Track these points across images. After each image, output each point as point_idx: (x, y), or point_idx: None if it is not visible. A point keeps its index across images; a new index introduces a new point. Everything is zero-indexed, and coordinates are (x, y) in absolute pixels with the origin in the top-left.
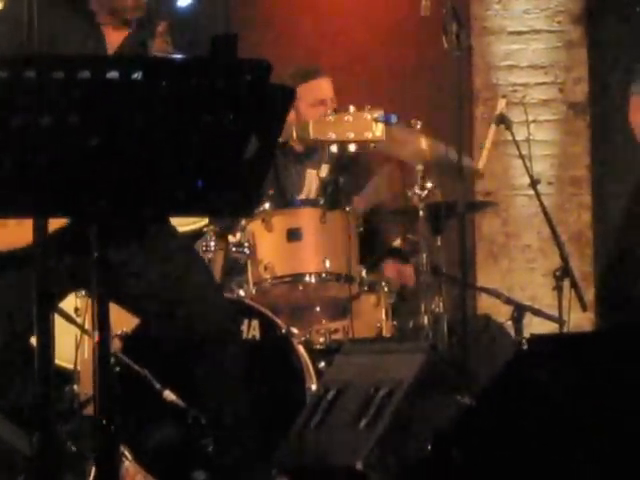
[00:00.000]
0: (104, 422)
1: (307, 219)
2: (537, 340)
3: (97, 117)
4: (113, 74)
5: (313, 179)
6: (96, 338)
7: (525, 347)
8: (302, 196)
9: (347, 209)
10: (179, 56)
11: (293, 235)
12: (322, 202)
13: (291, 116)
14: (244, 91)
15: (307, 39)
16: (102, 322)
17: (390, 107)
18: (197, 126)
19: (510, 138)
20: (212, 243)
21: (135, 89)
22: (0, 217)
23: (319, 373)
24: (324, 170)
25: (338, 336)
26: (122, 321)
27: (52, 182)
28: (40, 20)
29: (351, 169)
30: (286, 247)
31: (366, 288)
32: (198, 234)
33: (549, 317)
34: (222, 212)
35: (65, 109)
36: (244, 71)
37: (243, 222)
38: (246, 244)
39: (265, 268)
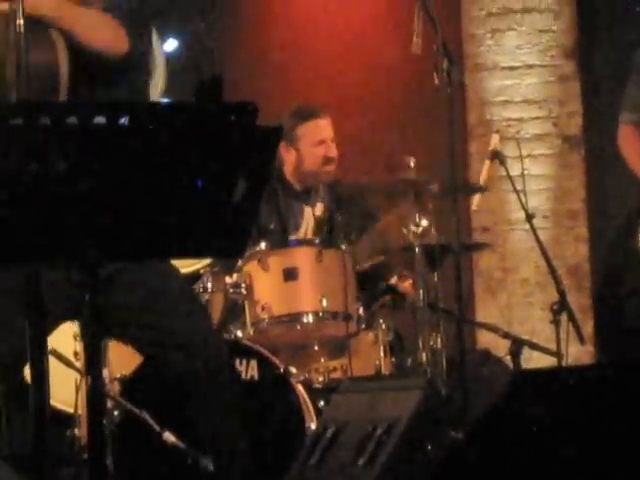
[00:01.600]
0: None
1: (303, 258)
2: (521, 376)
3: (83, 163)
4: (100, 119)
5: (310, 217)
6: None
7: (509, 384)
8: (301, 234)
9: (343, 247)
10: (165, 100)
11: (289, 274)
12: (318, 241)
13: (291, 155)
14: (230, 133)
15: (300, 79)
16: (93, 356)
17: (384, 145)
18: (184, 169)
19: (505, 173)
20: (209, 284)
21: (121, 134)
22: None
23: (318, 412)
24: (319, 208)
25: (337, 374)
26: (121, 364)
27: (39, 228)
28: None
29: (348, 208)
30: (283, 287)
31: (364, 326)
32: (195, 276)
33: (547, 351)
34: (211, 254)
35: (51, 155)
36: (230, 113)
37: (240, 263)
38: (243, 285)
39: (262, 308)
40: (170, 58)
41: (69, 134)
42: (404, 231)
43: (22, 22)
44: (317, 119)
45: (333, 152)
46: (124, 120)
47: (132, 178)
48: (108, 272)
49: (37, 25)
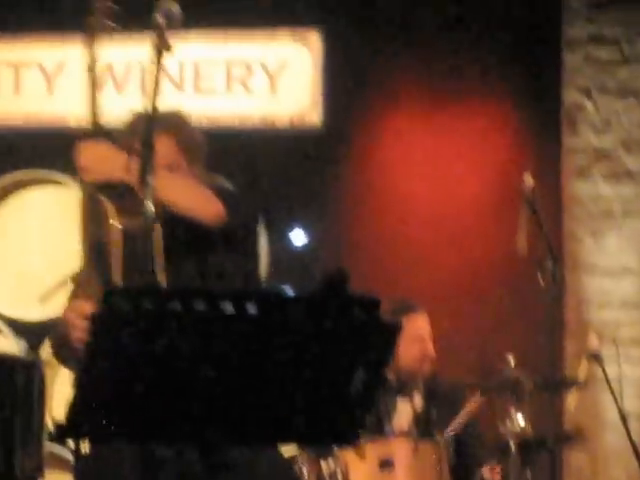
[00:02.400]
0: None
1: (399, 449)
2: None
3: (211, 348)
4: (228, 307)
5: (405, 410)
6: None
7: None
8: (396, 425)
9: (438, 440)
10: (292, 292)
11: (385, 465)
12: (414, 433)
13: None
14: (354, 326)
15: (398, 270)
16: None
17: (484, 342)
18: (307, 358)
19: (601, 374)
20: (304, 470)
21: (248, 322)
22: (98, 443)
23: None
24: (417, 402)
25: None
26: None
27: (163, 408)
28: None
29: (443, 400)
30: (378, 477)
31: None
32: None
33: None
34: (327, 442)
35: (179, 339)
36: (354, 306)
37: (334, 448)
38: (339, 472)
39: None
40: (299, 252)
41: (197, 319)
42: (499, 426)
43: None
44: (414, 315)
45: (430, 350)
46: (251, 308)
47: (255, 364)
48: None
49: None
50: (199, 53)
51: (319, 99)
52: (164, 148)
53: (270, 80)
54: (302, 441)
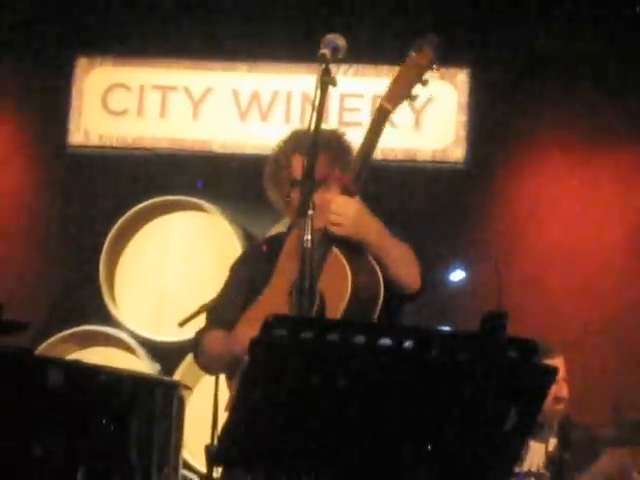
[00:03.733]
0: None
1: None
2: None
3: (365, 382)
4: (386, 341)
5: (539, 451)
6: None
7: None
8: (525, 469)
9: None
10: (449, 328)
11: None
12: (547, 477)
13: None
14: (509, 368)
15: (537, 315)
16: None
17: (614, 385)
18: (461, 396)
19: None
20: None
21: (404, 357)
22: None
23: None
24: (552, 444)
25: None
26: None
27: (308, 441)
28: None
29: (577, 445)
30: None
31: None
32: None
33: None
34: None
35: (336, 372)
36: (512, 348)
37: None
38: None
39: None
40: (456, 287)
41: (355, 352)
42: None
43: (309, 237)
44: (552, 359)
45: (564, 392)
46: (408, 344)
47: (408, 400)
48: None
49: (354, 248)
50: (346, 87)
51: (463, 136)
52: (319, 166)
53: (415, 115)
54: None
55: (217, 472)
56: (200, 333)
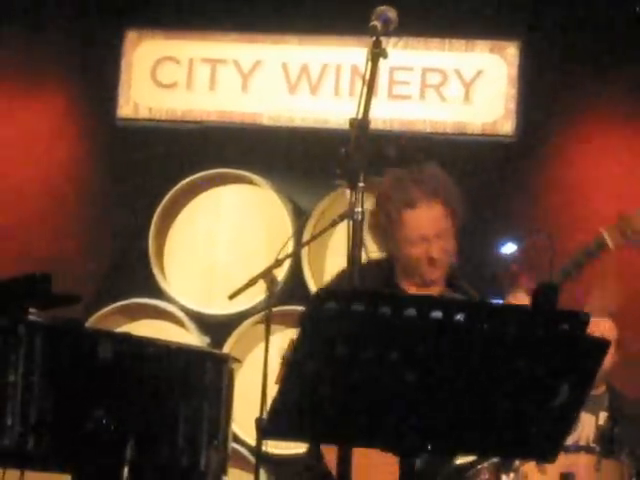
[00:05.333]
0: None
1: (581, 465)
2: None
3: (417, 355)
4: (437, 314)
5: (589, 424)
6: None
7: None
8: (577, 438)
9: (623, 460)
10: (499, 301)
11: (566, 479)
12: (598, 449)
13: None
14: (560, 341)
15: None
16: None
17: None
18: (510, 371)
19: None
20: None
21: (456, 329)
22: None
23: None
24: (602, 418)
25: None
26: None
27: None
28: None
29: (629, 419)
30: None
31: None
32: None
33: None
34: (525, 456)
35: (389, 345)
36: (563, 321)
37: (517, 462)
38: None
39: None
40: (507, 260)
41: (405, 325)
42: None
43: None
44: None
45: (614, 357)
46: (459, 317)
47: (458, 373)
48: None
49: None
50: (395, 59)
51: (512, 109)
52: (433, 213)
53: (465, 88)
54: (496, 453)
55: (266, 445)
56: None
